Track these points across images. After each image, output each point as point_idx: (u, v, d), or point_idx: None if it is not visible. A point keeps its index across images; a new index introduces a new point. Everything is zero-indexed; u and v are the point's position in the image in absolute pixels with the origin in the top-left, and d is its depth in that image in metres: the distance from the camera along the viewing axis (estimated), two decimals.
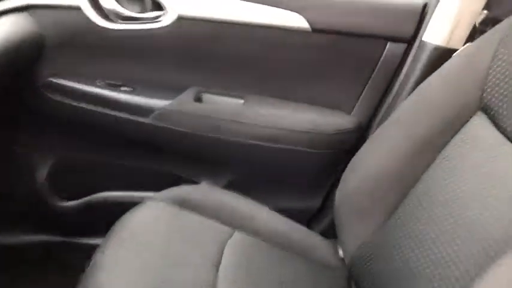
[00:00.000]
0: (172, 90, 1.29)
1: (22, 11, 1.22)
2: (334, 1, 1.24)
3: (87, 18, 1.24)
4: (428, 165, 0.83)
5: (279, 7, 1.23)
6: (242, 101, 1.30)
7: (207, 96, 1.34)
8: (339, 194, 1.00)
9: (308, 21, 1.22)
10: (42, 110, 1.34)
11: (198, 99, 1.31)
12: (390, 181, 0.88)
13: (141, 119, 1.30)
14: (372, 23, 1.23)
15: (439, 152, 0.82)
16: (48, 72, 1.30)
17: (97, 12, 1.25)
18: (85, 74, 1.31)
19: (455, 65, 0.92)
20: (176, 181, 1.20)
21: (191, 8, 1.25)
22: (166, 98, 1.28)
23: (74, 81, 1.31)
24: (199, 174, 1.40)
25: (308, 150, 1.28)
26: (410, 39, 1.23)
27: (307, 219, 1.45)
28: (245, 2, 1.24)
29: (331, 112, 1.32)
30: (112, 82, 1.33)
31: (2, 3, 1.19)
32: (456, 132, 0.82)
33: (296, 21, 1.22)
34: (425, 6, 1.21)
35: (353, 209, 0.93)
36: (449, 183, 0.76)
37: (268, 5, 1.23)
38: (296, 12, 1.22)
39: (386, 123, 0.99)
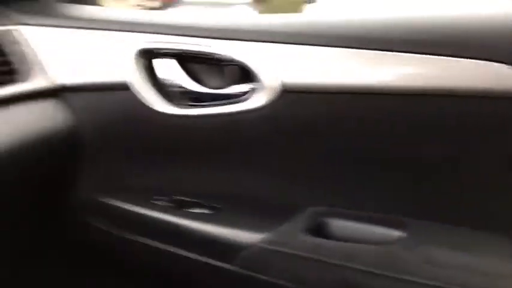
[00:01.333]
0: (271, 213, 0.81)
1: (46, 97, 0.82)
2: None
3: (142, 102, 0.81)
4: None
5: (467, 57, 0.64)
6: (398, 233, 0.74)
7: (333, 224, 0.78)
8: None
9: None
10: (79, 241, 0.92)
11: (316, 231, 0.77)
12: None
13: (220, 264, 0.79)
14: None
15: None
16: (86, 185, 0.88)
17: (156, 92, 0.81)
18: (140, 186, 0.88)
19: None
20: None
21: (304, 70, 0.74)
22: (260, 228, 0.79)
23: (122, 199, 0.86)
24: None
25: None
26: None
27: None
28: (398, 53, 0.68)
29: None
30: (178, 198, 0.86)
31: (23, 84, 0.80)
32: None
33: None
34: None
35: None
36: None
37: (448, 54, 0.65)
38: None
39: None
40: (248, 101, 0.76)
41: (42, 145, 0.80)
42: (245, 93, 0.78)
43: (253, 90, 0.76)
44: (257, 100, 0.76)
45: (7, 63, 0.79)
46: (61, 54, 0.85)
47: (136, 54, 0.81)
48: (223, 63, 0.79)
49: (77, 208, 0.88)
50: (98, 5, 1.06)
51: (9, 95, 0.76)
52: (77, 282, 0.98)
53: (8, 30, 0.83)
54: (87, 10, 0.94)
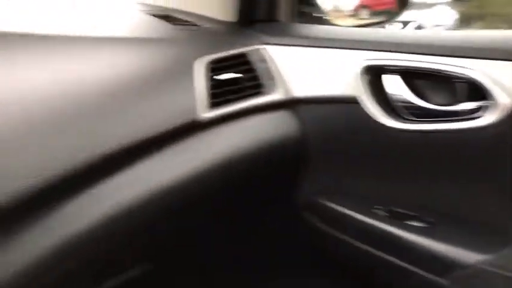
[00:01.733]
0: (490, 234, 0.79)
1: (284, 108, 0.93)
2: None
3: (367, 115, 0.86)
4: None
5: None
6: None
7: None
8: None
9: None
10: (299, 238, 1.01)
11: None
12: None
13: (433, 278, 0.80)
14: None
15: None
16: (311, 188, 0.96)
17: (381, 106, 0.85)
18: (360, 194, 0.93)
19: None
20: None
21: None
22: (480, 249, 0.77)
23: (342, 204, 0.92)
24: None
25: None
26: None
27: None
28: None
29: None
30: (399, 210, 0.88)
31: (267, 96, 0.92)
32: None
33: None
34: None
35: None
36: None
37: None
38: None
39: None
40: (479, 119, 0.75)
41: (275, 150, 0.91)
42: (473, 110, 0.76)
43: (483, 107, 0.75)
44: (488, 118, 0.74)
45: (255, 78, 0.92)
46: (297, 70, 0.94)
47: (362, 70, 0.86)
48: (451, 80, 0.78)
49: (299, 209, 0.98)
50: (330, 24, 1.15)
51: (257, 105, 0.89)
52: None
53: (256, 49, 0.95)
54: (320, 30, 1.03)
